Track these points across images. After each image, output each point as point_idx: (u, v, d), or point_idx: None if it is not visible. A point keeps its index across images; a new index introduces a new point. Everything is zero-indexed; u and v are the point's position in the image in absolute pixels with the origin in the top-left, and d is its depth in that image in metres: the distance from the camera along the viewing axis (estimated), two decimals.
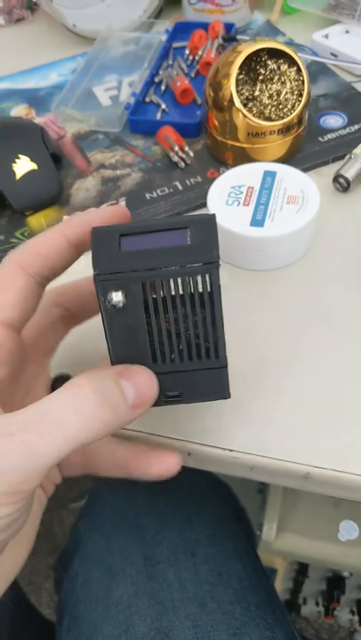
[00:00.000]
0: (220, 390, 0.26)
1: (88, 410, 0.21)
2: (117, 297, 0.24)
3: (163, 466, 0.27)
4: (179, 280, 0.24)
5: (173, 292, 0.24)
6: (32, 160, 0.45)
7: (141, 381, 0.24)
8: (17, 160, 0.45)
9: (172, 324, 0.25)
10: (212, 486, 0.51)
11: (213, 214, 0.24)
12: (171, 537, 0.43)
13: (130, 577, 0.41)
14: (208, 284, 0.24)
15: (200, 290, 0.24)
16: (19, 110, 0.57)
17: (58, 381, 0.30)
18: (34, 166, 0.45)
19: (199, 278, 0.24)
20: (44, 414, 0.21)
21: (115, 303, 0.24)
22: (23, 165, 0.45)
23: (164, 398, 0.25)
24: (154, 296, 0.24)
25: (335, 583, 0.77)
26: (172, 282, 0.24)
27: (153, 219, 0.23)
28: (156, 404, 0.25)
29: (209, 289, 0.24)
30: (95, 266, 0.24)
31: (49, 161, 0.46)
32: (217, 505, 0.49)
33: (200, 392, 0.26)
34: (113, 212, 0.27)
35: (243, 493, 0.53)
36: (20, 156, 0.45)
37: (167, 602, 0.39)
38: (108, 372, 0.23)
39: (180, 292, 0.24)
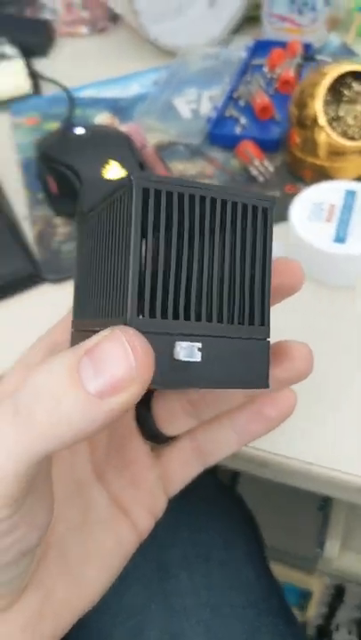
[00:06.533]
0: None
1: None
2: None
3: (281, 404, 0.25)
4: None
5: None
6: (122, 167, 0.48)
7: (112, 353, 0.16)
8: (107, 165, 0.48)
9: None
10: (222, 490, 0.50)
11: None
12: (183, 540, 0.42)
13: (140, 581, 0.40)
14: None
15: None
16: (102, 118, 0.60)
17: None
18: (123, 173, 0.48)
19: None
20: None
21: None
22: (113, 171, 0.48)
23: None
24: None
25: None
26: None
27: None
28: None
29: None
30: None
31: (137, 169, 0.49)
32: (227, 509, 0.48)
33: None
34: None
35: (303, 510, 0.52)
36: (110, 161, 0.48)
37: (179, 607, 0.38)
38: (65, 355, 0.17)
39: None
